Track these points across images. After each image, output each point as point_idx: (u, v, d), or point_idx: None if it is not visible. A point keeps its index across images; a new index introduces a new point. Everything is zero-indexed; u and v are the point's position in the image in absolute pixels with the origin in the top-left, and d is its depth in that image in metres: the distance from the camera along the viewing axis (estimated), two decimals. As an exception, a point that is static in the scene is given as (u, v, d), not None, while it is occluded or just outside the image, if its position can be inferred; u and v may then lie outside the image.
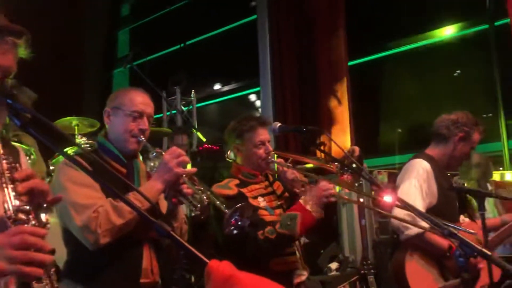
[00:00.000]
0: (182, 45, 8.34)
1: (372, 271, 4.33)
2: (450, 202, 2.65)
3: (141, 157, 2.32)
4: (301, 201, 2.35)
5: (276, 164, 2.60)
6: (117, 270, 1.91)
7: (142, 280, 1.97)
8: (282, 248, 2.38)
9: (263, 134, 2.53)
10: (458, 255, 1.55)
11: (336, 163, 2.40)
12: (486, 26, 5.96)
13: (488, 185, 3.77)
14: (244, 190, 2.46)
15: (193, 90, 6.93)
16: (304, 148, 5.87)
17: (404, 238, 2.65)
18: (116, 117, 2.09)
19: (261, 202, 2.46)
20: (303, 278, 2.48)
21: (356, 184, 2.50)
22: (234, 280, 0.95)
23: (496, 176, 5.01)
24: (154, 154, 2.04)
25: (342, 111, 6.12)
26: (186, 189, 1.93)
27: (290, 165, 2.55)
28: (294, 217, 2.30)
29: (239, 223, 1.97)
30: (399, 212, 2.62)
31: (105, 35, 9.33)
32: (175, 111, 6.59)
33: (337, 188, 2.50)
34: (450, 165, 2.88)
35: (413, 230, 2.60)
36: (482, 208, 2.21)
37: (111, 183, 1.18)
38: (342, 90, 6.13)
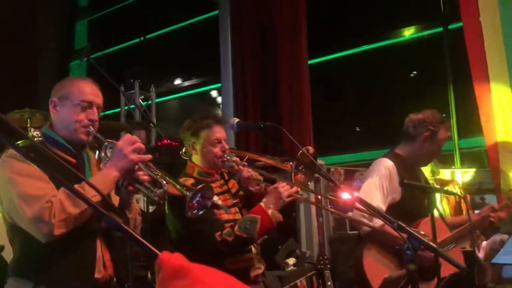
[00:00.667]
0: (141, 38, 8.20)
1: (328, 266, 4.42)
2: (415, 199, 2.73)
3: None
4: (262, 204, 2.35)
5: (232, 163, 2.59)
6: (70, 264, 1.85)
7: (96, 275, 1.92)
8: (238, 251, 2.39)
9: (219, 132, 2.52)
10: (406, 248, 1.61)
11: (291, 162, 2.42)
12: (440, 29, 6.16)
13: (434, 183, 3.92)
14: None
15: (152, 85, 6.83)
16: (265, 146, 5.90)
17: (362, 232, 2.72)
18: (63, 107, 2.02)
19: (217, 201, 2.45)
20: (260, 271, 2.50)
21: (310, 183, 2.54)
22: (185, 272, 0.94)
23: (445, 174, 5.21)
24: (106, 144, 1.96)
25: (302, 109, 6.18)
26: (143, 176, 1.89)
27: (246, 163, 2.55)
28: (254, 220, 2.30)
29: (202, 204, 1.94)
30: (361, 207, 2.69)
31: (62, 26, 9.04)
32: (133, 106, 6.47)
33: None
34: (418, 162, 2.97)
35: (371, 225, 2.67)
36: (432, 203, 2.30)
37: (61, 174, 1.14)
38: (303, 88, 6.19)
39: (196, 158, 2.56)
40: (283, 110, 6.19)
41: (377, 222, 2.66)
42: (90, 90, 2.04)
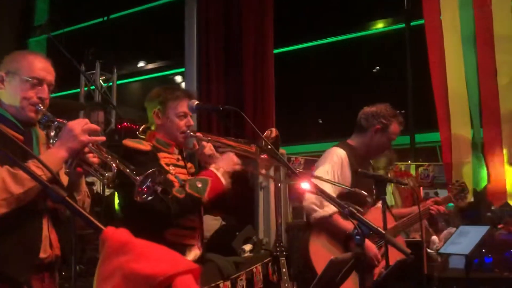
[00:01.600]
0: (105, 18, 7.98)
1: (284, 253, 4.47)
2: (364, 188, 2.79)
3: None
4: (212, 167, 2.32)
5: (193, 140, 2.52)
6: (13, 244, 1.78)
7: (41, 255, 1.86)
8: (188, 211, 2.30)
9: (187, 107, 2.42)
10: (356, 233, 1.65)
11: (256, 144, 2.39)
12: (403, 25, 6.30)
13: (389, 174, 4.03)
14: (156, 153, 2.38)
15: (114, 66, 6.67)
16: (227, 131, 5.89)
17: (312, 220, 2.76)
18: (11, 83, 1.90)
19: (172, 170, 2.39)
20: (197, 256, 2.42)
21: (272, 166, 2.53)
22: (129, 247, 0.93)
23: (402, 167, 5.37)
24: (56, 123, 1.87)
25: (266, 97, 6.20)
26: (92, 158, 1.83)
27: (210, 138, 2.46)
28: (205, 181, 2.26)
29: (152, 189, 1.90)
30: (310, 196, 2.72)
31: (21, 0, 8.68)
32: (93, 87, 6.31)
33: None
34: (368, 154, 3.03)
35: (320, 213, 2.72)
36: (382, 192, 2.36)
37: (7, 150, 1.11)
38: (267, 76, 6.20)
39: (157, 127, 2.45)
40: (247, 98, 6.18)
41: (328, 210, 2.71)
42: (41, 66, 1.93)
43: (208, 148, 2.45)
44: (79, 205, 1.88)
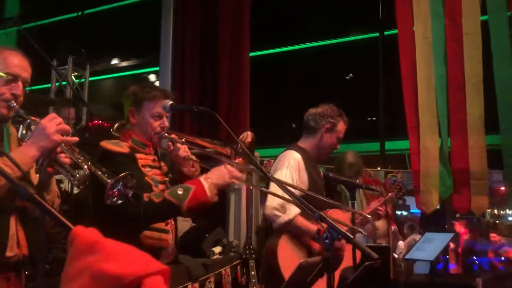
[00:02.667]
0: (79, 13, 7.83)
1: (253, 256, 4.48)
2: (318, 191, 2.83)
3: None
4: (201, 177, 2.24)
5: (169, 141, 2.48)
6: None
7: (7, 254, 1.82)
8: (164, 217, 2.26)
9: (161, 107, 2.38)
10: (325, 237, 1.67)
11: (232, 146, 2.37)
12: (376, 35, 6.41)
13: (358, 181, 4.09)
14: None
15: (87, 62, 6.56)
16: (200, 133, 5.86)
17: (276, 226, 2.77)
18: None
19: (148, 172, 2.36)
20: (169, 260, 2.39)
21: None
22: (98, 246, 0.92)
23: (372, 173, 5.47)
24: (28, 121, 1.84)
25: (240, 100, 6.21)
26: (64, 158, 1.80)
27: (184, 140, 2.44)
28: (187, 188, 2.16)
29: (123, 192, 1.88)
30: (272, 200, 2.74)
31: (-9, -9, 8.45)
32: (65, 83, 6.18)
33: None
34: (320, 155, 3.08)
35: (284, 218, 2.74)
36: (352, 197, 2.40)
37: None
38: (243, 78, 6.21)
39: (133, 126, 2.41)
40: (221, 99, 6.18)
41: (290, 214, 2.73)
42: (17, 62, 1.89)
43: (183, 150, 2.42)
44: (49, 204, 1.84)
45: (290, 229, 2.76)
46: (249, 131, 2.51)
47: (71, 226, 0.95)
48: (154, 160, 2.44)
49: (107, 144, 2.28)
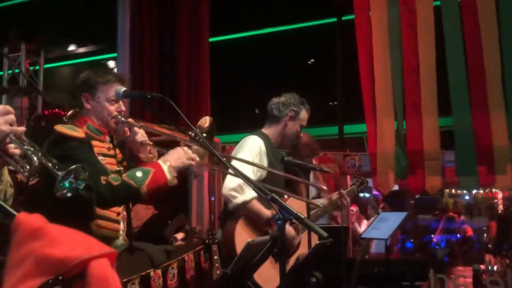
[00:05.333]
0: (32, -3, 7.56)
1: (216, 241, 4.51)
2: (276, 177, 2.88)
3: None
4: (160, 160, 2.18)
5: (125, 126, 2.41)
6: None
7: None
8: (122, 200, 2.20)
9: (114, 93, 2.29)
10: (277, 218, 1.72)
11: (190, 132, 2.33)
12: (334, 20, 6.49)
13: (313, 161, 4.17)
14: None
15: (42, 49, 6.35)
16: (160, 120, 5.80)
17: (231, 207, 2.81)
18: None
19: (102, 161, 2.30)
20: (123, 247, 2.33)
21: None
22: (43, 232, 0.93)
23: (331, 156, 5.58)
24: None
25: (200, 86, 6.17)
26: (13, 149, 1.72)
27: (142, 124, 2.35)
28: (146, 171, 2.10)
29: (73, 185, 1.84)
30: (230, 181, 2.77)
31: None
32: (17, 70, 5.97)
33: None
34: (282, 143, 3.13)
35: (239, 199, 2.77)
36: (307, 179, 2.46)
37: None
38: (202, 64, 6.17)
39: (87, 112, 2.33)
40: (181, 86, 6.13)
41: (247, 196, 2.77)
42: None
43: (140, 134, 2.36)
44: (0, 196, 1.80)
45: (245, 212, 2.80)
46: (213, 118, 2.49)
47: (15, 213, 0.96)
48: (109, 148, 2.36)
49: (61, 128, 2.19)
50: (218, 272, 4.30)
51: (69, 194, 1.81)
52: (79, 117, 2.34)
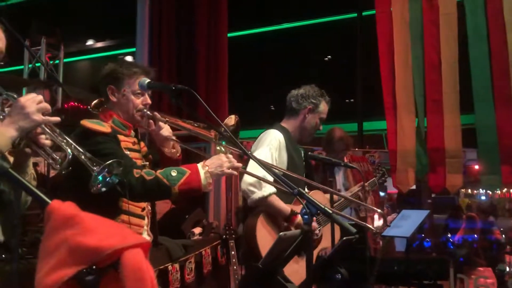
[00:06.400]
0: (52, -8, 7.62)
1: (233, 236, 4.50)
2: (297, 172, 2.85)
3: None
4: (199, 164, 2.14)
5: (150, 119, 2.39)
6: None
7: None
8: (153, 196, 2.19)
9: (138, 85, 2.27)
10: (304, 212, 1.69)
11: (213, 131, 2.29)
12: (355, 15, 6.41)
13: (345, 158, 4.12)
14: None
15: (62, 43, 6.40)
16: (179, 113, 5.81)
17: (250, 202, 2.78)
18: None
19: (129, 155, 2.29)
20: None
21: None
22: (76, 220, 0.91)
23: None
24: (5, 96, 1.69)
25: (219, 81, 6.16)
26: (44, 140, 1.68)
27: (168, 120, 2.33)
28: (182, 171, 2.07)
29: (108, 180, 1.81)
30: (247, 178, 2.74)
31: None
32: (38, 64, 6.03)
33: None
34: (302, 136, 3.08)
35: (257, 194, 2.74)
36: (332, 175, 2.42)
37: None
38: (221, 59, 6.16)
39: (113, 106, 2.31)
40: (199, 81, 6.12)
41: (266, 191, 2.74)
42: None
43: (166, 129, 2.34)
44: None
45: (264, 207, 2.77)
46: (225, 117, 2.46)
47: (48, 200, 0.94)
48: (134, 143, 2.34)
49: (88, 123, 2.17)
50: (235, 267, 4.30)
51: (103, 189, 1.79)
52: (105, 111, 2.34)
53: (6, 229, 1.86)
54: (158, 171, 2.09)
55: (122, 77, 2.30)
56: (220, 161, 2.16)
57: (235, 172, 2.20)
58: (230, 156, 2.21)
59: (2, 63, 1.82)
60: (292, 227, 2.77)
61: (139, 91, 2.29)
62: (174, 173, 2.06)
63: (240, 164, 2.23)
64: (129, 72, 2.30)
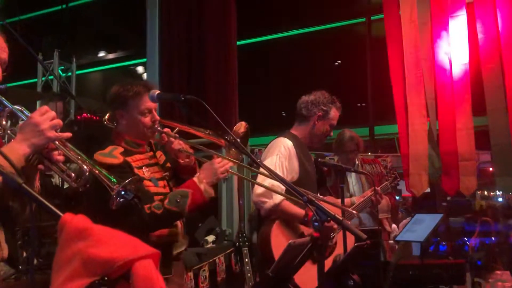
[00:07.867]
0: (63, 6, 7.73)
1: (246, 243, 4.51)
2: (309, 178, 2.85)
3: None
4: (195, 179, 2.28)
5: (161, 135, 2.48)
6: None
7: None
8: (167, 225, 2.32)
9: (150, 101, 2.35)
10: (314, 220, 1.69)
11: (226, 137, 2.35)
12: (363, 19, 6.41)
13: (356, 160, 4.10)
14: (128, 159, 2.32)
15: (73, 56, 6.50)
16: (190, 121, 5.83)
17: (264, 212, 2.79)
18: None
19: (146, 172, 2.35)
20: (182, 248, 2.46)
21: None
22: (88, 232, 0.94)
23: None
24: (15, 110, 1.69)
25: (229, 89, 6.19)
26: (57, 155, 1.68)
27: (177, 135, 2.45)
28: (185, 195, 2.22)
29: (123, 195, 1.85)
30: (259, 187, 2.76)
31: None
32: (51, 76, 6.12)
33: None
34: (312, 142, 3.08)
35: (270, 203, 2.76)
36: (342, 181, 2.42)
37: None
38: (230, 67, 6.19)
39: (124, 127, 2.40)
40: (209, 89, 6.16)
41: (277, 198, 2.75)
42: None
43: (177, 143, 2.43)
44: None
45: (277, 214, 2.78)
46: (242, 121, 2.52)
47: (60, 213, 0.96)
48: (151, 157, 2.45)
49: (100, 157, 2.25)
50: (249, 275, 4.30)
51: (121, 200, 1.84)
52: (116, 133, 2.43)
53: (13, 245, 1.87)
54: (166, 201, 2.22)
55: (127, 100, 2.37)
56: (212, 169, 2.32)
57: (225, 175, 2.35)
58: (219, 160, 2.33)
59: (5, 74, 1.81)
60: (310, 227, 2.77)
61: (146, 111, 2.37)
62: (179, 200, 2.21)
63: (230, 164, 2.36)
64: (133, 94, 2.37)
